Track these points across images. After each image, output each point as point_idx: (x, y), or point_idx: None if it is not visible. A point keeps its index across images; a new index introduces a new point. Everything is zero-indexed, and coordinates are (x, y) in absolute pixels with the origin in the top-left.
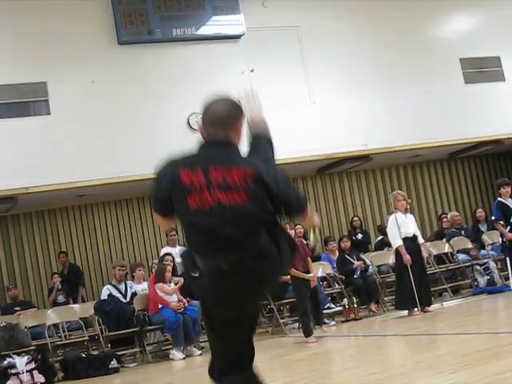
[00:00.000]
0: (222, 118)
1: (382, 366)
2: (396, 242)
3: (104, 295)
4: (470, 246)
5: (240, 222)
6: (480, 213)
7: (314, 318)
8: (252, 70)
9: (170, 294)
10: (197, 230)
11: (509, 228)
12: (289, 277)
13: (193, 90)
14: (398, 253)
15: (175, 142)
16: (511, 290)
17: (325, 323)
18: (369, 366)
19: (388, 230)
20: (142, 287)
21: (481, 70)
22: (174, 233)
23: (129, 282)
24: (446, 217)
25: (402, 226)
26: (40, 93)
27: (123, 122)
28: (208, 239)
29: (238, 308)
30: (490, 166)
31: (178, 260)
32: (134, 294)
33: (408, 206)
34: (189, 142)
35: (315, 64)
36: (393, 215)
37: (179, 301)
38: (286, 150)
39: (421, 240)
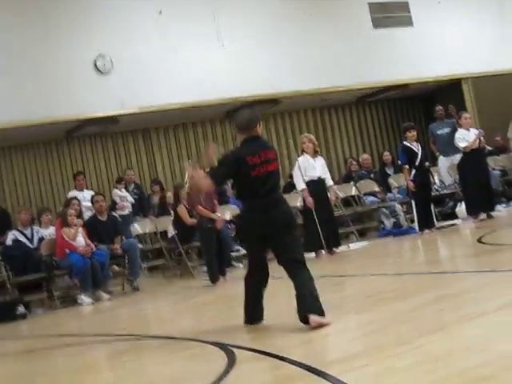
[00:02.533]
0: (251, 122)
1: (288, 307)
2: (300, 185)
3: (9, 241)
4: (376, 188)
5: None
6: (386, 156)
7: (218, 265)
8: (160, 12)
9: (72, 238)
10: (256, 186)
11: (414, 171)
12: (196, 220)
13: (100, 32)
14: (303, 196)
15: (82, 86)
16: (416, 232)
17: (232, 266)
18: (275, 308)
19: (293, 174)
20: (49, 232)
21: (389, 14)
22: (82, 177)
23: (35, 227)
24: (354, 160)
25: (308, 169)
26: None
27: (29, 65)
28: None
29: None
30: (397, 110)
31: (85, 204)
32: (41, 239)
33: (317, 149)
34: (96, 84)
35: (225, 7)
36: (298, 159)
37: (87, 245)
38: (195, 92)
39: (329, 183)
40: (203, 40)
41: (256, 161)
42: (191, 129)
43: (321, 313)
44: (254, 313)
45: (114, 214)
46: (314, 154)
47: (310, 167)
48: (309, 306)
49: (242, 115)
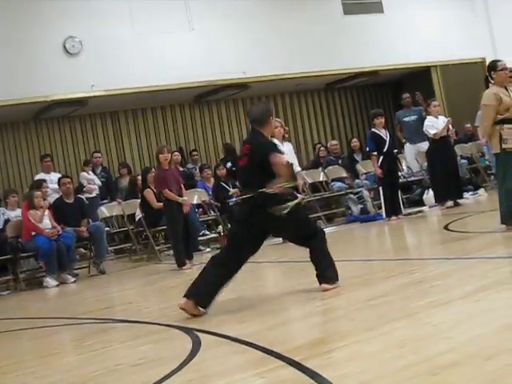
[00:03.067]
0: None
1: (254, 292)
2: None
3: None
4: (344, 174)
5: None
6: (355, 142)
7: (185, 249)
8: None
9: (38, 220)
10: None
11: (381, 158)
12: (162, 204)
13: (70, 13)
14: None
15: (51, 67)
16: (383, 218)
17: (200, 250)
18: (241, 292)
19: None
20: (15, 214)
21: (360, 1)
22: (49, 159)
23: (1, 209)
24: (322, 146)
25: None
26: None
27: None
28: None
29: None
30: (367, 96)
31: (52, 186)
32: (6, 221)
33: (286, 135)
34: (65, 66)
35: None
36: None
37: (53, 228)
38: (164, 76)
39: (297, 168)
40: (173, 23)
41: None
42: (160, 112)
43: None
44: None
45: (80, 196)
46: (282, 139)
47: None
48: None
49: (255, 108)
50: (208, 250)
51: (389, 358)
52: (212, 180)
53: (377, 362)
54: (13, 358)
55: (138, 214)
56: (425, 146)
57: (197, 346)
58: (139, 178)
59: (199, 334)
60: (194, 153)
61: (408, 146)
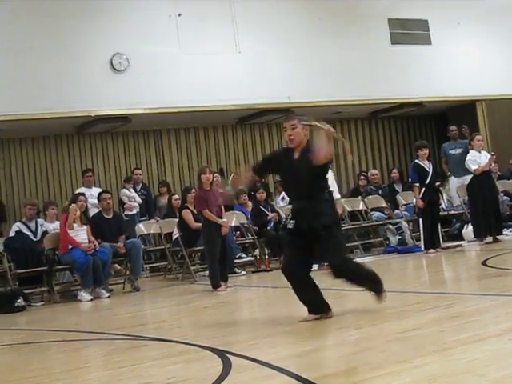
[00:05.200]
0: None
1: (288, 318)
2: None
3: (12, 232)
4: (384, 204)
5: None
6: (395, 173)
7: (220, 271)
8: (179, 15)
9: (69, 227)
10: None
11: (423, 190)
12: (201, 224)
13: (118, 30)
14: None
15: (97, 82)
16: (421, 250)
17: (235, 273)
18: (276, 317)
19: None
20: (53, 226)
21: (408, 31)
22: (91, 174)
23: (40, 220)
24: (364, 174)
25: None
26: None
27: (44, 57)
28: None
29: None
30: (410, 127)
31: (92, 201)
32: (45, 233)
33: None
34: (111, 82)
35: (243, 13)
36: None
37: (90, 242)
38: (209, 97)
39: (337, 196)
40: (220, 45)
41: None
42: (202, 133)
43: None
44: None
45: (119, 212)
46: None
47: None
48: None
49: None
50: (243, 273)
51: None
52: (249, 204)
53: None
54: (42, 369)
55: (176, 233)
56: (469, 179)
57: (227, 368)
58: (175, 197)
59: (230, 356)
60: (235, 175)
61: (453, 179)
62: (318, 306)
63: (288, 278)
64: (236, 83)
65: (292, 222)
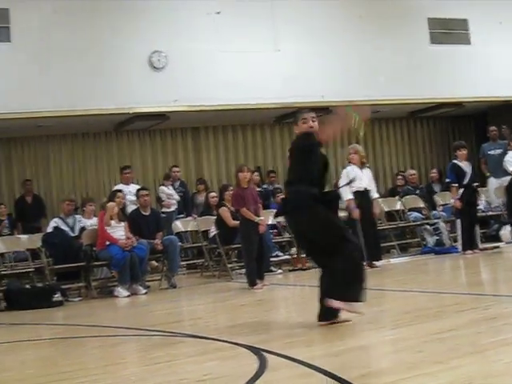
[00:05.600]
0: None
1: (310, 315)
2: (346, 195)
3: (51, 228)
4: (421, 205)
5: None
6: (434, 173)
7: (257, 269)
8: (218, 12)
9: (106, 223)
10: None
11: (462, 190)
12: (238, 222)
13: (157, 27)
14: (348, 206)
15: (135, 80)
16: (459, 251)
17: (271, 271)
18: (311, 316)
19: (340, 183)
20: (91, 222)
21: (448, 31)
22: (129, 171)
23: (78, 216)
24: (402, 174)
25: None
26: (1, 19)
27: (84, 55)
28: None
29: None
30: (449, 127)
31: (129, 198)
32: (82, 229)
33: (364, 160)
34: (149, 79)
35: (283, 11)
36: (345, 169)
37: (127, 238)
38: (247, 96)
39: (375, 195)
40: (259, 43)
41: None
42: (240, 131)
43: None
44: None
45: (156, 210)
46: (362, 165)
47: (357, 178)
48: None
49: None
50: (279, 271)
51: None
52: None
53: None
54: (79, 364)
55: (213, 231)
56: (508, 180)
57: (263, 366)
58: (211, 194)
59: (266, 354)
60: (272, 174)
61: (492, 180)
62: None
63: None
64: (274, 82)
65: None
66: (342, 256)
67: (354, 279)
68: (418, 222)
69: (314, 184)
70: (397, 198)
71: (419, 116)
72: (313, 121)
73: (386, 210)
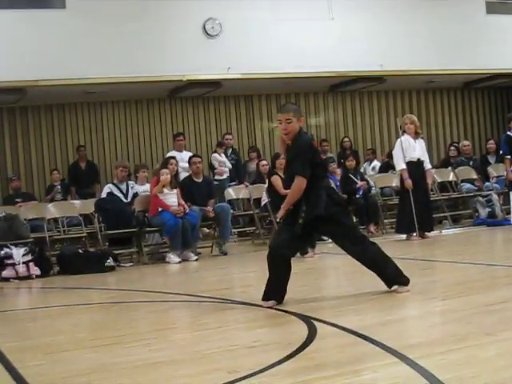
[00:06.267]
0: None
1: (373, 286)
2: (399, 165)
3: (104, 193)
4: (474, 176)
5: None
6: (491, 144)
7: None
8: None
9: (158, 190)
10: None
11: None
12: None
13: None
14: (401, 176)
15: (190, 48)
16: (511, 224)
17: (323, 240)
18: (361, 285)
19: (393, 153)
20: (144, 188)
21: (504, 1)
22: (182, 137)
23: (131, 183)
24: (455, 145)
25: (408, 150)
26: None
27: (138, 22)
28: None
29: None
30: (504, 98)
31: (182, 165)
32: (135, 195)
33: (419, 131)
34: (203, 47)
35: None
36: (399, 138)
37: (179, 205)
38: (301, 64)
39: (428, 166)
40: (314, 11)
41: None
42: (294, 99)
43: None
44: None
45: (209, 177)
46: (416, 135)
47: (411, 148)
48: None
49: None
50: (330, 240)
51: (503, 366)
52: (338, 172)
53: (491, 368)
54: (130, 328)
55: (264, 199)
56: None
57: (312, 334)
58: (262, 163)
59: (315, 322)
60: (324, 143)
61: None
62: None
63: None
64: (329, 50)
65: None
66: None
67: None
68: (471, 194)
69: None
70: (450, 169)
71: (474, 87)
72: (288, 122)
73: (439, 180)
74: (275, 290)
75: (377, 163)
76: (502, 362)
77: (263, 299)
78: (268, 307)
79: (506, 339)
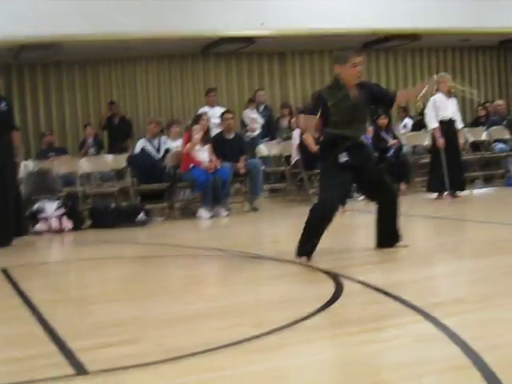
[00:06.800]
0: None
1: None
2: (432, 124)
3: (137, 149)
4: (507, 136)
5: None
6: None
7: None
8: None
9: (189, 148)
10: None
11: None
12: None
13: None
14: (433, 135)
15: (222, 3)
16: None
17: (353, 197)
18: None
19: (426, 112)
20: (176, 144)
21: None
22: (214, 93)
23: (163, 138)
24: (482, 105)
25: (440, 108)
26: None
27: None
28: None
29: None
30: None
31: (214, 121)
32: (167, 151)
33: (453, 90)
34: (236, 2)
35: None
36: (432, 97)
37: (211, 161)
38: (334, 21)
39: (460, 125)
40: None
41: None
42: (327, 57)
43: None
44: None
45: (240, 133)
46: (448, 94)
47: (443, 107)
48: None
49: None
50: (361, 197)
51: None
52: (370, 130)
53: None
54: (160, 281)
55: (295, 156)
56: None
57: (339, 291)
58: (294, 119)
59: (343, 279)
60: None
61: None
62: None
63: (331, 212)
64: (362, 6)
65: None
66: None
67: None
68: (504, 154)
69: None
70: (482, 128)
71: (509, 45)
72: (360, 65)
73: (471, 140)
74: (311, 246)
75: (408, 121)
76: None
77: (299, 254)
78: (300, 263)
79: None
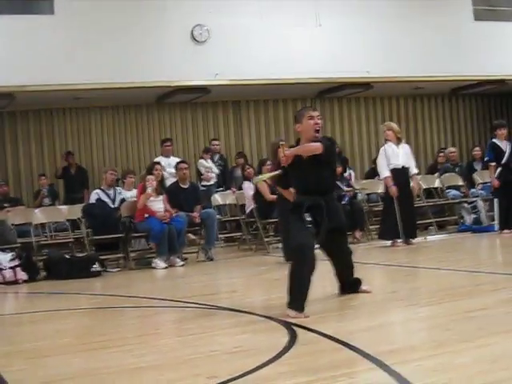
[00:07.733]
0: None
1: (357, 293)
2: (383, 172)
3: (93, 199)
4: (460, 183)
5: None
6: (477, 151)
7: None
8: None
9: (142, 201)
10: None
11: (499, 170)
12: (276, 196)
13: (199, 1)
14: (386, 183)
15: (177, 53)
16: (496, 231)
17: None
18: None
19: (377, 161)
20: (131, 194)
21: (491, 7)
22: (170, 143)
23: (118, 188)
24: (442, 152)
25: (392, 157)
26: None
27: (125, 29)
28: None
29: None
30: (491, 105)
31: (169, 170)
32: (122, 201)
33: (400, 136)
34: (191, 53)
35: None
36: (383, 146)
37: (166, 211)
38: (288, 70)
39: (414, 171)
40: (301, 17)
41: None
42: (282, 105)
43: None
44: None
45: (195, 183)
46: (398, 141)
47: (394, 155)
48: None
49: None
50: (316, 246)
51: (477, 372)
52: None
53: (465, 375)
54: (115, 333)
55: (251, 205)
56: None
57: (293, 340)
58: (247, 167)
59: (297, 328)
60: None
61: None
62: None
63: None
64: (316, 56)
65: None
66: None
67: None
68: (457, 200)
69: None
70: (436, 175)
71: (461, 93)
72: (319, 119)
73: (425, 187)
74: (303, 298)
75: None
76: (476, 369)
77: (297, 310)
78: (296, 317)
79: (483, 346)
